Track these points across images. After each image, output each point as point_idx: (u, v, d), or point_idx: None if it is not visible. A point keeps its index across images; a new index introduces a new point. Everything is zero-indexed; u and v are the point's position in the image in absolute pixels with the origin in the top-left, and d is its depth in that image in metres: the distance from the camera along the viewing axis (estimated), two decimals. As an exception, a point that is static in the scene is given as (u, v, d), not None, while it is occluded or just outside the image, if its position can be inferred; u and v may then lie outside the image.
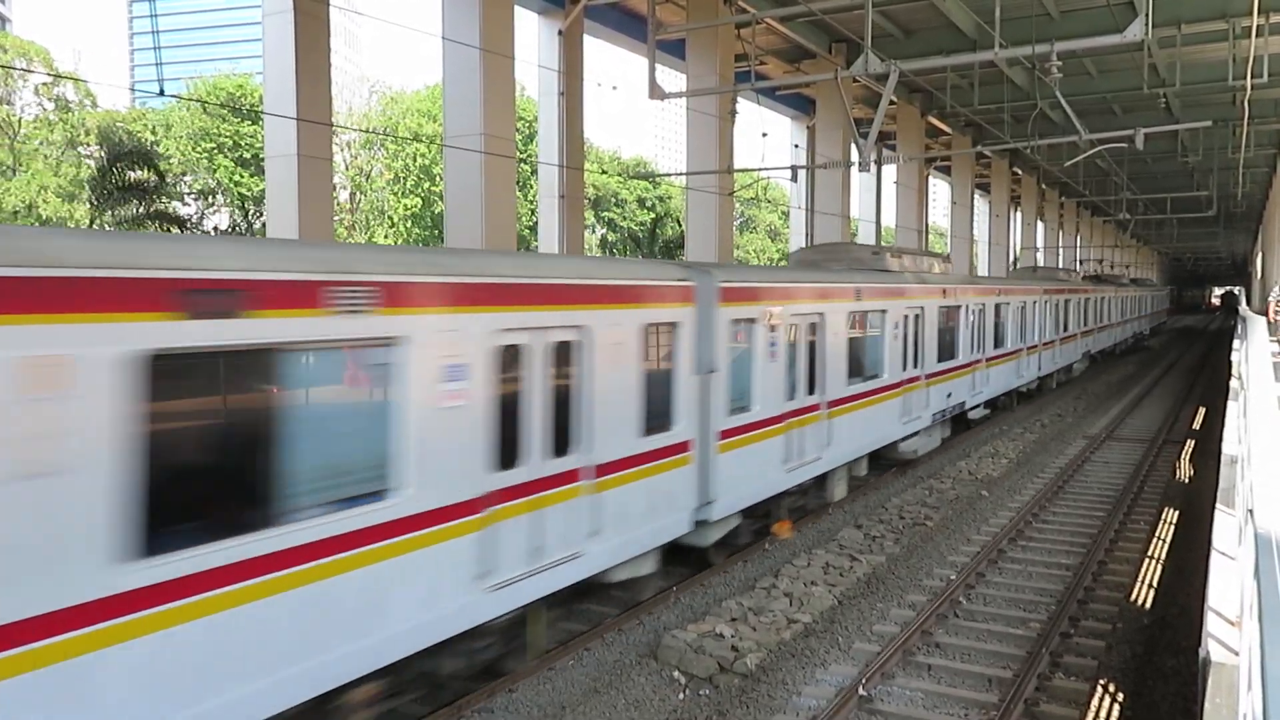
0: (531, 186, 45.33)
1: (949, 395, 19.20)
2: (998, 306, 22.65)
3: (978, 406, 21.90)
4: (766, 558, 12.42)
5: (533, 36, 22.35)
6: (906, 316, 16.70)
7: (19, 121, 44.09)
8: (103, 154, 27.82)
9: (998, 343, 22.93)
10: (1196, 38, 24.10)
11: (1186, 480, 17.53)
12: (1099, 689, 8.52)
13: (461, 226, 17.61)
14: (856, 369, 14.68)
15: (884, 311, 15.71)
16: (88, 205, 29.87)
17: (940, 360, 18.64)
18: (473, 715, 8.02)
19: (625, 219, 63.02)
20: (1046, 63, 15.80)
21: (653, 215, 60.91)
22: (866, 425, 15.09)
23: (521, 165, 44.48)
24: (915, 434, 17.35)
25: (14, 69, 38.57)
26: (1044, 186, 53.91)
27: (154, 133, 47.00)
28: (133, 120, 47.35)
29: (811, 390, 13.21)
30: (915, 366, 17.24)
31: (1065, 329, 31.25)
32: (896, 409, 16.36)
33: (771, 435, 12.11)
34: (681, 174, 24.03)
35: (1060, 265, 52.06)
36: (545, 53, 21.68)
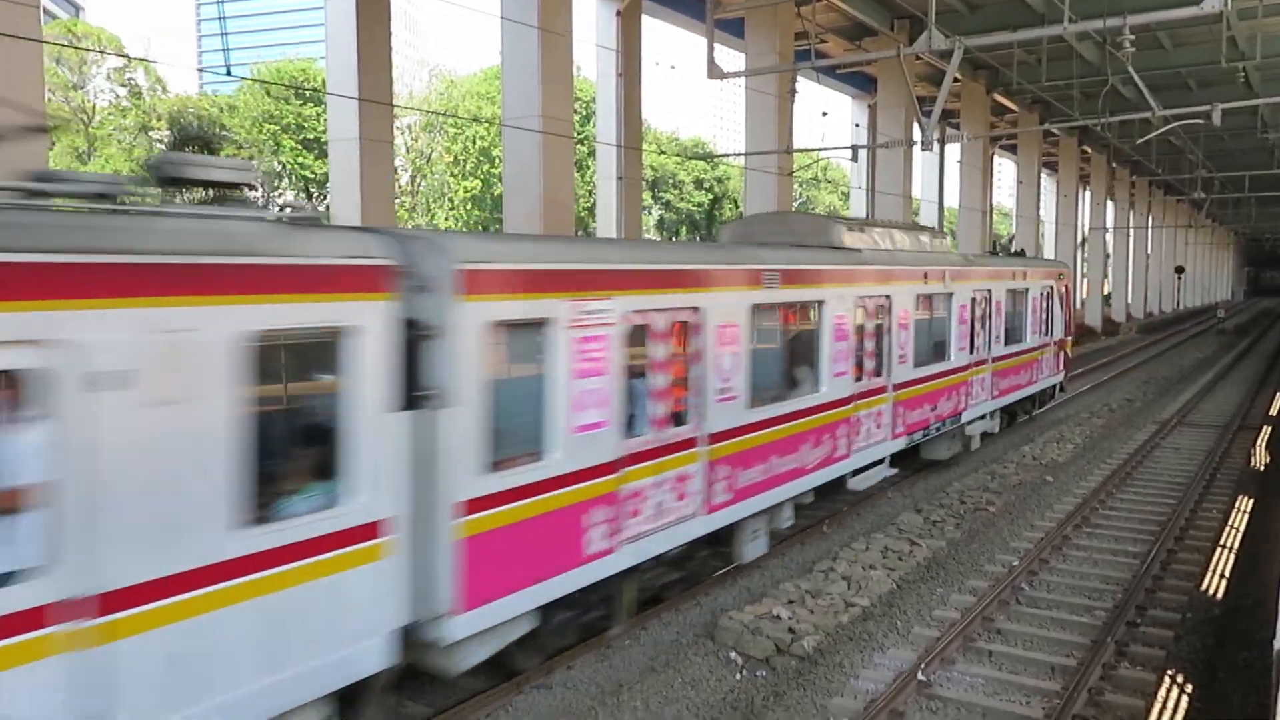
0: (589, 167, 45.41)
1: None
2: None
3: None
4: (824, 540, 12.36)
5: (591, 17, 22.40)
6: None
7: (93, 107, 45.47)
8: (172, 137, 28.61)
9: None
10: (1278, 8, 23.19)
11: (1262, 467, 17.00)
12: (1167, 679, 8.33)
13: (519, 208, 17.75)
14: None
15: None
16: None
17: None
18: (531, 691, 8.13)
19: (683, 200, 62.78)
20: (1118, 36, 15.35)
21: (710, 196, 60.64)
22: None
23: (579, 146, 44.58)
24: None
25: (88, 49, 39.68)
26: (1114, 165, 52.50)
27: (221, 111, 48.14)
28: (203, 105, 48.57)
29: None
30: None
31: None
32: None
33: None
34: (740, 154, 23.90)
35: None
36: (603, 33, 21.74)
